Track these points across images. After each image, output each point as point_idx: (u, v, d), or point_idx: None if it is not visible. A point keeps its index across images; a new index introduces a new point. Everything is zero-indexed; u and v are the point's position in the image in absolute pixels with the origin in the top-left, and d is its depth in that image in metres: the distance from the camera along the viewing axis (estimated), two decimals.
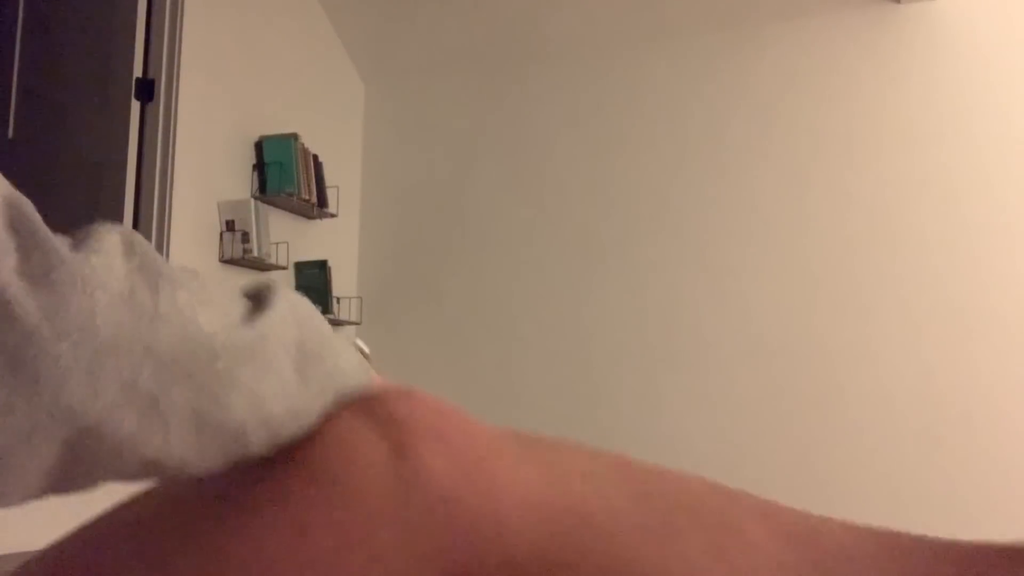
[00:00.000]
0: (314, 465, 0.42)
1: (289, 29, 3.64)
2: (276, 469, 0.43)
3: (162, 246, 2.99)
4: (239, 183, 3.35)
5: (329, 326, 0.45)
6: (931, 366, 3.04)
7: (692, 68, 3.49)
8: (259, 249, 3.24)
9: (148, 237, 2.94)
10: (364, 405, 0.44)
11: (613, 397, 3.42)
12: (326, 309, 3.56)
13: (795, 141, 3.31)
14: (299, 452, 0.43)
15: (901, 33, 3.21)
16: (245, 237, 3.22)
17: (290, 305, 0.42)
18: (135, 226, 2.99)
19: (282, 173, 3.37)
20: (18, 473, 0.33)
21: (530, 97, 3.74)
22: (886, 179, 3.18)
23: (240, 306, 0.40)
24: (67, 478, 0.35)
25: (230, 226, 3.23)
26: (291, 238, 3.51)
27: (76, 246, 0.34)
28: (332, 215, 3.68)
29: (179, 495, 0.45)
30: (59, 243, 0.33)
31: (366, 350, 0.51)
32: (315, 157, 3.56)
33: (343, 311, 3.76)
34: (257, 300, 0.41)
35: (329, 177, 3.66)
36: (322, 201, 3.59)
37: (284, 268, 3.46)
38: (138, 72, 3.09)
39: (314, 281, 3.56)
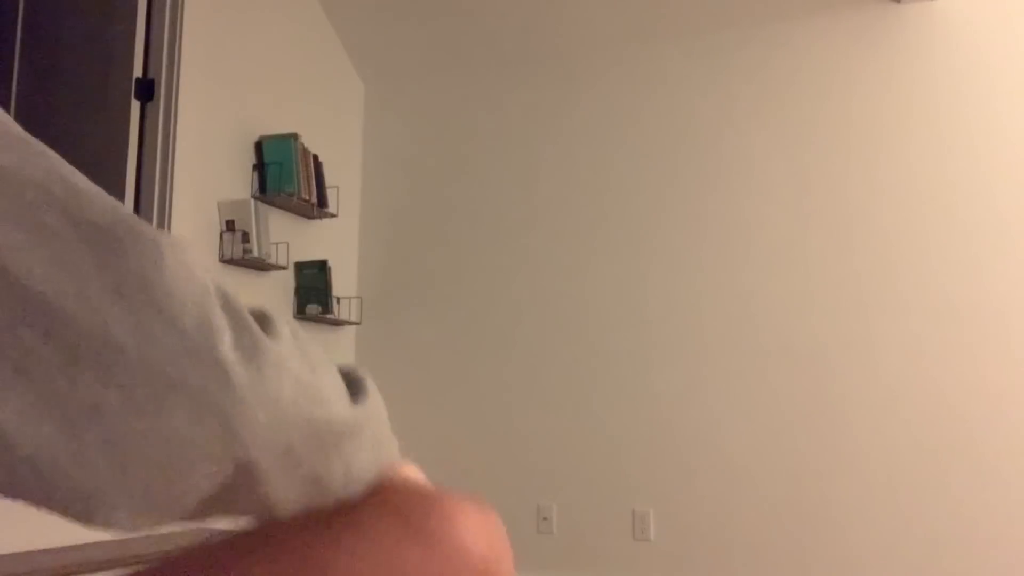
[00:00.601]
0: (418, 522, 0.53)
1: (289, 29, 3.64)
2: (372, 517, 0.53)
3: None
4: (239, 183, 3.35)
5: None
6: (930, 364, 3.04)
7: (692, 68, 3.50)
8: (259, 249, 3.24)
9: None
10: (464, 494, 0.59)
11: (612, 396, 3.43)
12: (326, 309, 3.56)
13: (795, 140, 3.32)
14: (396, 507, 0.54)
15: (901, 33, 3.22)
16: (245, 237, 3.22)
17: (376, 395, 0.53)
18: None
19: (282, 173, 3.37)
20: (187, 502, 0.40)
21: (530, 97, 3.74)
22: (885, 177, 3.18)
23: (342, 385, 0.50)
24: (200, 511, 0.42)
25: (230, 226, 3.23)
26: (291, 238, 3.51)
27: (266, 330, 0.42)
28: (332, 215, 3.68)
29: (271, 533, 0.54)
30: (255, 324, 0.41)
31: None
32: (315, 157, 3.56)
33: (343, 311, 3.76)
34: (348, 378, 0.51)
35: (329, 177, 3.66)
36: (322, 201, 3.59)
37: (284, 268, 3.46)
38: (138, 72, 3.10)
39: (314, 281, 3.56)
